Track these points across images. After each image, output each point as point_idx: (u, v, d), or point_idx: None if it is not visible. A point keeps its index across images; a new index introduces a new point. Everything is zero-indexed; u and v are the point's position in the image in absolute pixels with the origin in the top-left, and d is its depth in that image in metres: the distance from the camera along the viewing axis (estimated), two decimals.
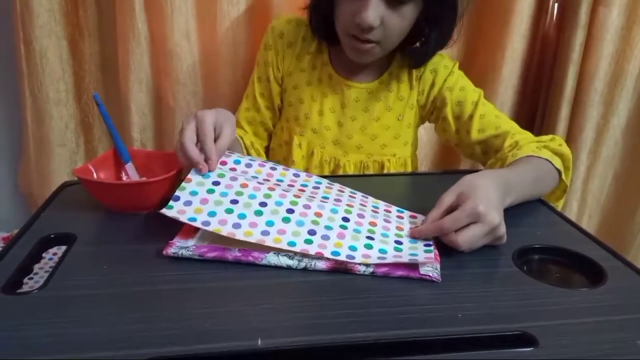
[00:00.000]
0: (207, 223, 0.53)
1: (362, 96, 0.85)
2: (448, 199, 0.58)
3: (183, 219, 0.53)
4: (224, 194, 0.57)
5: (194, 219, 0.53)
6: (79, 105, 1.05)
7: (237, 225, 0.54)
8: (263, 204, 0.57)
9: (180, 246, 0.52)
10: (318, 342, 0.41)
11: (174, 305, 0.46)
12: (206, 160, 0.60)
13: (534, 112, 1.14)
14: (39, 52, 0.96)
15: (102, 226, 0.61)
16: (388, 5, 0.71)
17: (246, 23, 0.98)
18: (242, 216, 0.55)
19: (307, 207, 0.58)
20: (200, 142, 0.61)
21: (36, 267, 0.54)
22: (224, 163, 0.64)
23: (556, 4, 1.07)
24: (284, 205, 0.57)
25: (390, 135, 0.87)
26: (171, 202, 0.55)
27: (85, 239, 0.57)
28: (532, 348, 0.41)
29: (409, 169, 0.90)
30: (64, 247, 0.55)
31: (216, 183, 0.59)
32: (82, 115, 1.06)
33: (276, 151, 0.94)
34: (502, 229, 0.56)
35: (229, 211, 0.55)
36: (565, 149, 0.77)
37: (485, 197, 0.56)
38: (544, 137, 0.79)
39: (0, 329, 0.41)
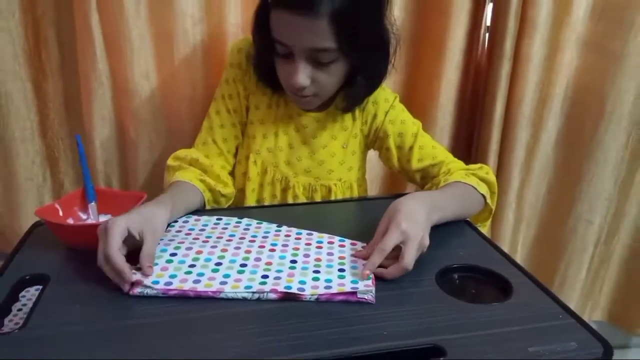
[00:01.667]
0: (169, 283, 0.61)
1: (311, 124, 0.94)
2: (381, 226, 0.67)
3: (147, 282, 0.60)
4: (181, 262, 0.65)
5: (157, 282, 0.60)
6: (45, 141, 1.10)
7: (197, 281, 0.61)
8: (218, 264, 0.65)
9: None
10: None
11: (142, 340, 0.52)
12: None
13: (470, 136, 1.25)
14: (5, 94, 1.01)
15: (73, 266, 0.67)
16: (315, 67, 0.80)
17: (202, 64, 1.05)
18: (200, 274, 0.63)
19: (257, 259, 0.67)
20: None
21: (14, 307, 0.60)
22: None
23: (487, 35, 1.18)
24: (237, 262, 0.66)
25: (335, 161, 0.95)
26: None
27: (57, 279, 0.63)
28: (441, 359, 0.50)
29: (355, 192, 0.99)
30: (39, 287, 0.61)
31: (173, 254, 0.67)
32: (48, 150, 1.10)
33: (236, 167, 0.99)
34: (426, 241, 0.66)
35: (188, 272, 0.63)
36: (491, 177, 0.88)
37: (408, 216, 0.65)
38: (473, 166, 0.90)
39: None
